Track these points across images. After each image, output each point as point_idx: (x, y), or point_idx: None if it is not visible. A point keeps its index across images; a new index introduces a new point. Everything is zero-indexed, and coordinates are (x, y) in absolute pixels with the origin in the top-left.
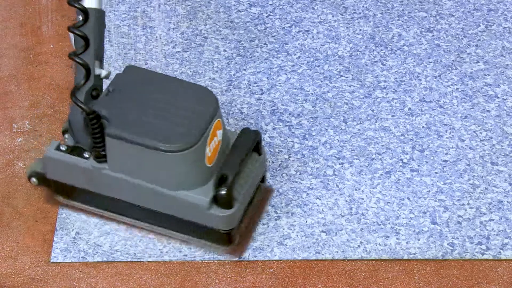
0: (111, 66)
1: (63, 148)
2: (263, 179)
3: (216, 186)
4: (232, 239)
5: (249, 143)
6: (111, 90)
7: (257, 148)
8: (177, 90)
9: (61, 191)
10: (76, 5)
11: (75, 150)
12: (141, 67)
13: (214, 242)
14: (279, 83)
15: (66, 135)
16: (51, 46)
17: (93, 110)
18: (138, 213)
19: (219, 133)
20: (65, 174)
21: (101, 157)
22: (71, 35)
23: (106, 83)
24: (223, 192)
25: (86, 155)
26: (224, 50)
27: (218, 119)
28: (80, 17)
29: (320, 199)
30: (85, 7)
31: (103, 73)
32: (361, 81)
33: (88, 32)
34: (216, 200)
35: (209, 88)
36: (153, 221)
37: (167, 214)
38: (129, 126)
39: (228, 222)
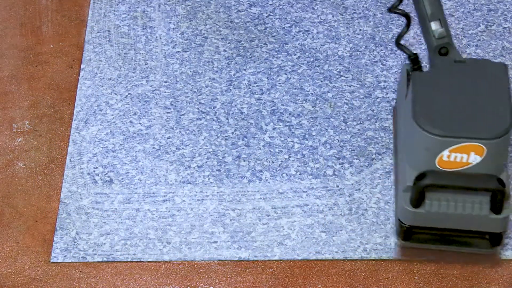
0: (111, 66)
1: None
2: None
3: None
4: None
5: None
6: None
7: None
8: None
9: None
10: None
11: None
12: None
13: None
14: (279, 83)
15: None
16: (51, 46)
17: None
18: None
19: None
20: None
21: None
22: None
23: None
24: None
25: None
26: (224, 50)
27: None
28: None
29: (320, 199)
30: None
31: (438, 31)
32: (361, 81)
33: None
34: None
35: (209, 88)
36: None
37: None
38: None
39: None
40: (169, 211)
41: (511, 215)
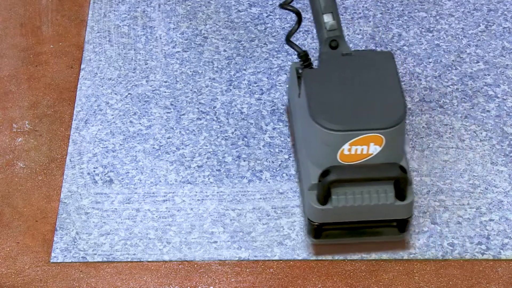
0: (111, 66)
1: None
2: None
3: None
4: None
5: None
6: None
7: None
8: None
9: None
10: None
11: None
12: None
13: None
14: (279, 83)
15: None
16: (51, 46)
17: None
18: None
19: None
20: None
21: None
22: None
23: None
24: None
25: None
26: (224, 50)
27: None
28: None
29: None
30: None
31: (330, 24)
32: None
33: None
34: None
35: (209, 88)
36: None
37: None
38: None
39: None
40: (169, 211)
41: (414, 199)
